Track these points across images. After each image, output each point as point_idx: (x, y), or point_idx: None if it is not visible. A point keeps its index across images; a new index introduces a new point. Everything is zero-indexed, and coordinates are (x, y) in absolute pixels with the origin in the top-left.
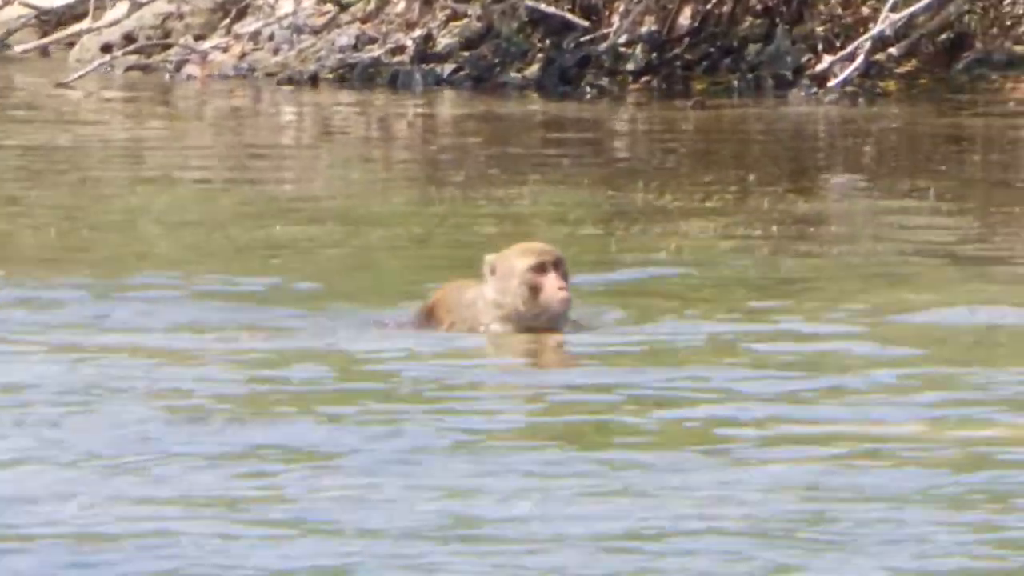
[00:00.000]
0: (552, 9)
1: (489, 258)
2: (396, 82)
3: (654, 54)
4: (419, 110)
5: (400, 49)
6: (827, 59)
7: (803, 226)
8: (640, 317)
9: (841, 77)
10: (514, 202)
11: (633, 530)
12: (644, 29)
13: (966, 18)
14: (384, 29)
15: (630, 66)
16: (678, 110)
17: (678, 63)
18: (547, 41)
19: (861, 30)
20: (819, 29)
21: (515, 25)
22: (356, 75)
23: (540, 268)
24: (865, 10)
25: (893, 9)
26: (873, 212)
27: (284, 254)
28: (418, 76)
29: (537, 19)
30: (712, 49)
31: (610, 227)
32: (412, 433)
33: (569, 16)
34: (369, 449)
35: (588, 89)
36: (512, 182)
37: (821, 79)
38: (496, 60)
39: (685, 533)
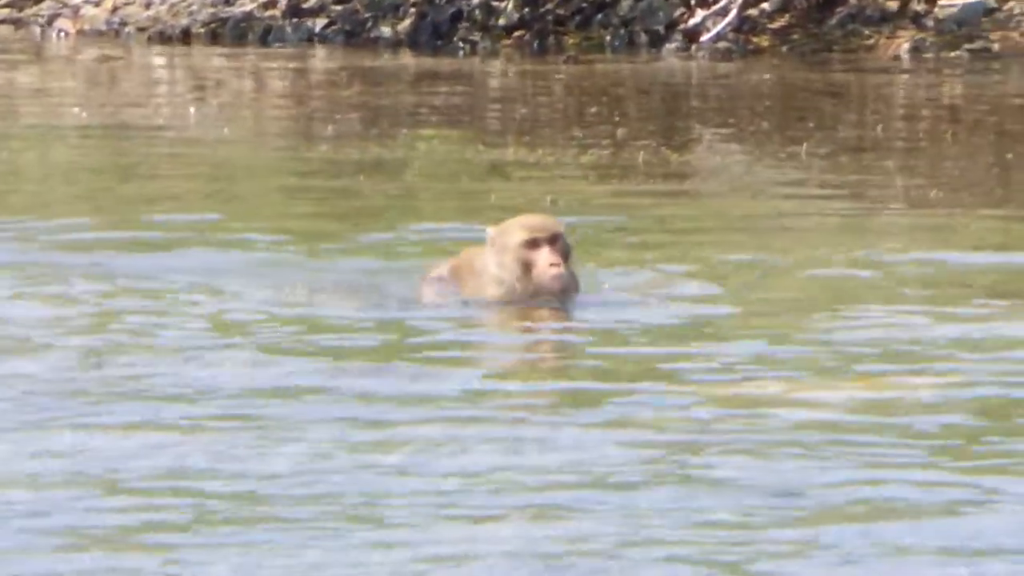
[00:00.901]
0: None
1: (491, 230)
2: (268, 37)
3: (526, 9)
4: (291, 64)
5: (272, 3)
6: (700, 14)
7: (677, 180)
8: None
9: (713, 32)
10: (388, 156)
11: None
12: None
13: None
14: None
15: (502, 21)
16: (550, 65)
17: (550, 18)
18: None
19: None
20: None
21: None
22: (228, 30)
23: (533, 244)
24: None
25: None
26: (746, 166)
27: (155, 204)
28: (290, 31)
29: None
30: (584, 4)
31: (487, 181)
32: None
33: None
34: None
35: (460, 44)
36: (385, 135)
37: (694, 34)
38: (368, 15)
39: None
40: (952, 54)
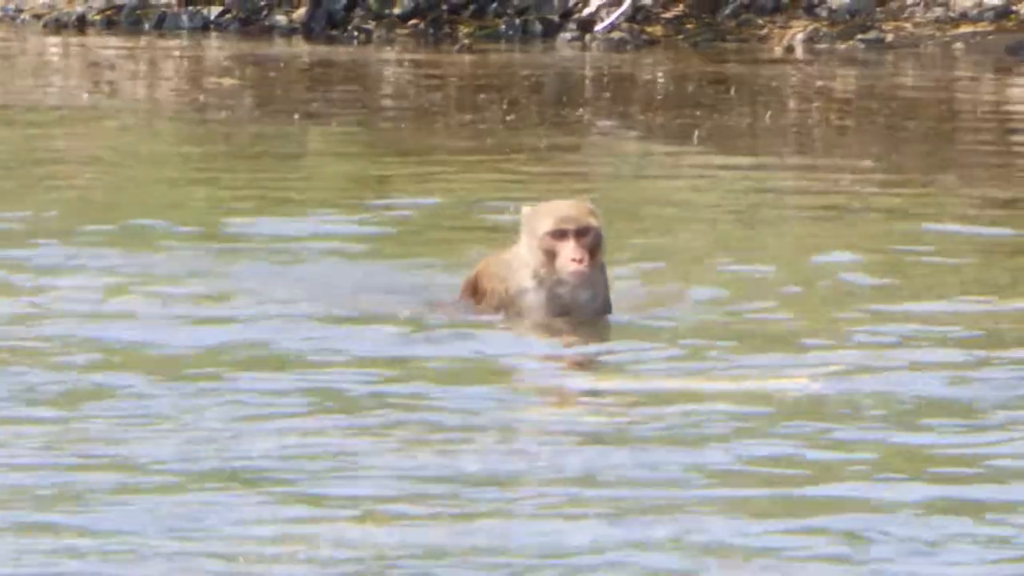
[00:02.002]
0: None
1: (525, 210)
2: (163, 24)
3: None
4: (186, 52)
5: None
6: (594, 3)
7: (570, 167)
8: (407, 252)
9: (607, 22)
10: (282, 142)
11: None
12: None
13: None
14: None
15: (397, 10)
16: (445, 54)
17: (445, 7)
18: None
19: None
20: None
21: None
22: (123, 17)
23: (560, 235)
24: None
25: None
26: (639, 155)
27: (42, 193)
28: (185, 18)
29: None
30: None
31: (382, 166)
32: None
33: None
34: None
35: (355, 33)
36: (280, 123)
37: (588, 23)
38: (263, 3)
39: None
40: (845, 44)
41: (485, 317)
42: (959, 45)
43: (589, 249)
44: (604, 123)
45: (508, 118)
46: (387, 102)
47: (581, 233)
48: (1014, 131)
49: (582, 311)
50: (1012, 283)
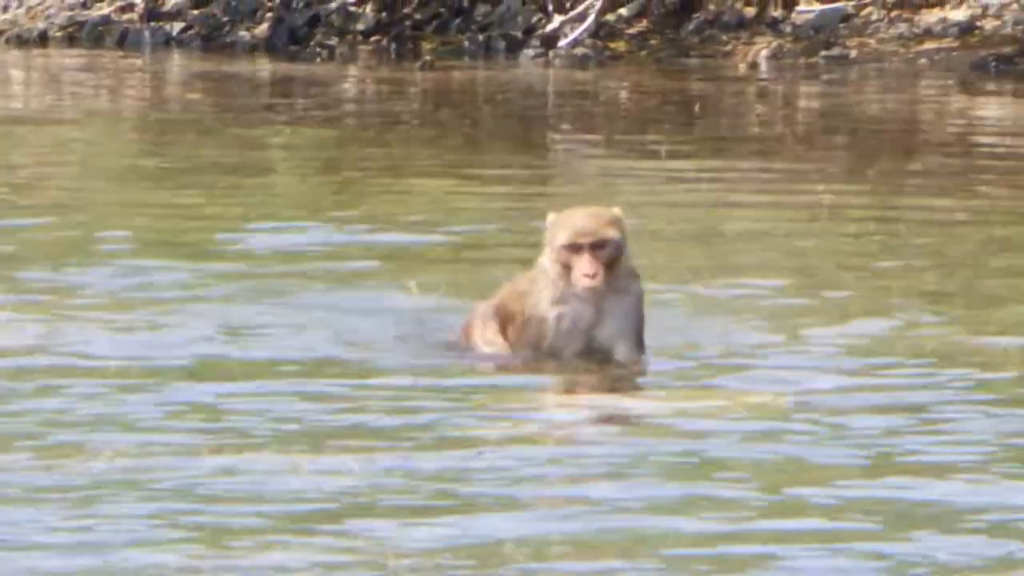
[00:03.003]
0: None
1: (550, 217)
2: (125, 40)
3: (384, 14)
4: (148, 68)
5: (129, 7)
6: (557, 19)
7: (535, 186)
8: (371, 273)
9: (571, 37)
10: (244, 157)
11: None
12: None
13: None
14: None
15: (360, 26)
16: (407, 70)
17: (408, 23)
18: (277, 0)
19: None
20: None
21: None
22: (85, 33)
23: (575, 248)
24: None
25: None
26: (602, 171)
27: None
28: (147, 34)
29: None
30: (442, 9)
31: (345, 183)
32: None
33: None
34: None
35: (318, 49)
36: (241, 138)
37: (551, 40)
38: (225, 19)
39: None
40: (809, 60)
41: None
42: (923, 61)
43: (607, 263)
44: (568, 139)
45: (471, 134)
46: (350, 119)
47: (597, 246)
48: (977, 146)
49: (610, 322)
50: (977, 296)
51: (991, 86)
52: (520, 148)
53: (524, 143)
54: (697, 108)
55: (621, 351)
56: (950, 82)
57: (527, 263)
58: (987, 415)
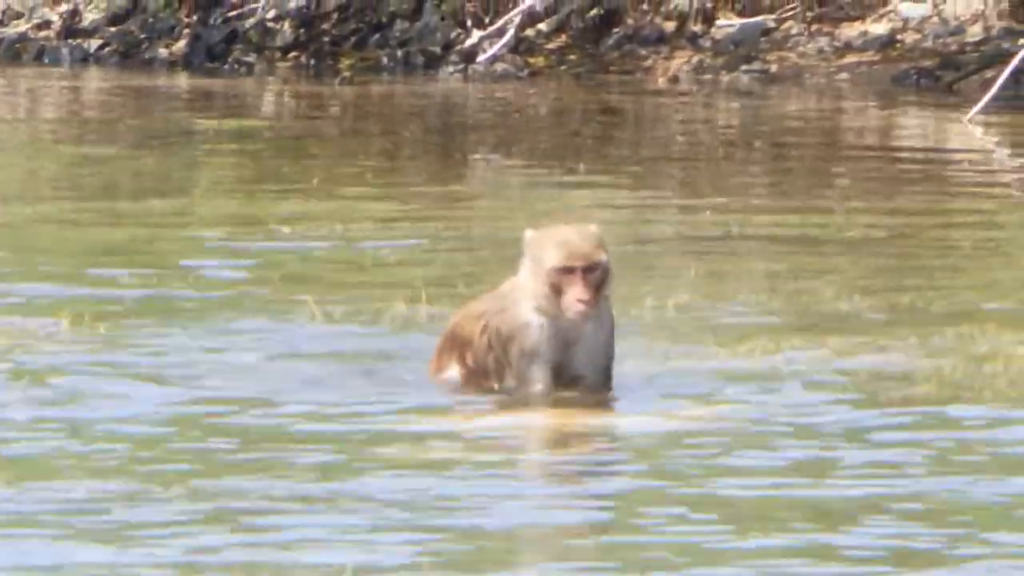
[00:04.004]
0: None
1: (530, 234)
2: (42, 57)
3: (302, 30)
4: (65, 84)
5: (46, 24)
6: (476, 35)
7: (455, 203)
8: (287, 293)
9: (490, 53)
10: (163, 175)
11: None
12: (292, 5)
13: None
14: (30, 4)
15: (278, 42)
16: (326, 86)
17: (327, 39)
18: (194, 17)
19: (510, 5)
20: (468, 5)
21: (162, 0)
22: (2, 50)
23: (567, 271)
24: None
25: None
26: (522, 187)
27: None
28: (65, 51)
29: None
30: (361, 25)
31: (262, 202)
32: None
33: None
34: None
35: (236, 65)
36: (159, 155)
37: (470, 55)
38: (143, 36)
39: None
40: (730, 75)
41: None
42: (844, 75)
43: (596, 285)
44: (487, 155)
45: (388, 150)
46: (267, 134)
47: (590, 270)
48: (898, 160)
49: (587, 343)
50: (901, 310)
51: (912, 100)
52: (438, 163)
53: (442, 158)
54: (617, 123)
55: (592, 376)
56: (871, 96)
57: (442, 279)
58: (906, 432)
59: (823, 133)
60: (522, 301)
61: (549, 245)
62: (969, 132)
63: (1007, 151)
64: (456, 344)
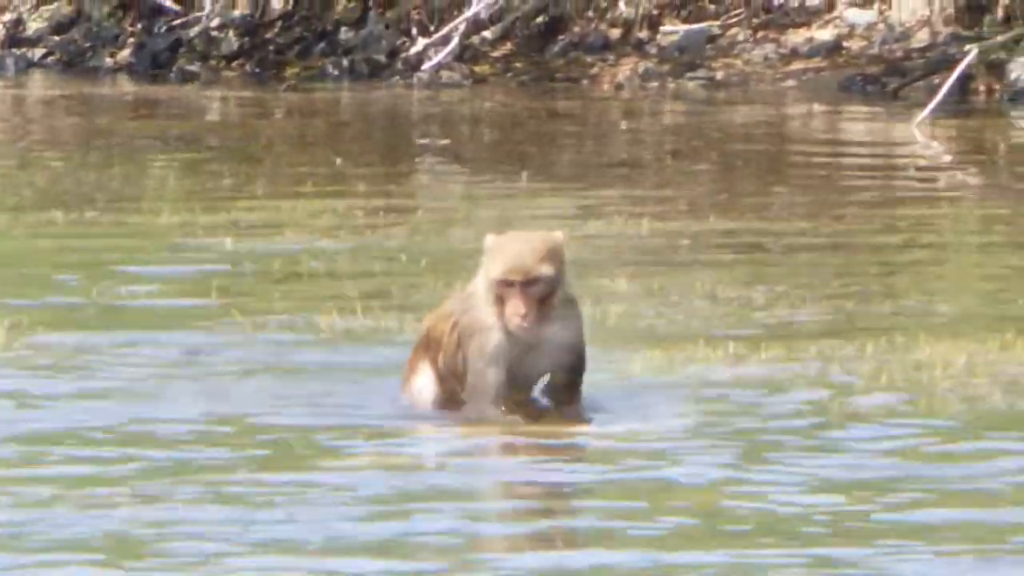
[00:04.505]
0: None
1: (488, 239)
2: None
3: (247, 38)
4: (10, 92)
5: None
6: (421, 43)
7: (398, 213)
8: (230, 305)
9: (435, 60)
10: (102, 183)
11: None
12: (236, 13)
13: (561, 1)
14: None
15: (223, 50)
16: (271, 94)
17: (271, 47)
18: (139, 25)
19: (456, 13)
20: (413, 13)
21: (106, 9)
22: None
23: (506, 284)
24: None
25: None
26: (465, 196)
27: None
28: (9, 61)
29: (128, 3)
30: (305, 34)
31: (205, 210)
32: None
33: (161, 0)
34: None
35: (180, 73)
36: (102, 164)
37: (415, 63)
38: (87, 44)
39: None
40: (676, 82)
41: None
42: (791, 82)
43: (540, 298)
44: (431, 163)
45: (333, 159)
46: (211, 142)
47: (528, 284)
48: (843, 167)
49: (549, 346)
50: (841, 317)
51: (858, 106)
52: (380, 171)
53: (384, 166)
54: (562, 130)
55: (559, 376)
56: (817, 103)
57: (378, 291)
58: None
59: (768, 140)
60: (482, 305)
61: (496, 255)
62: (915, 138)
63: (952, 157)
64: (431, 346)
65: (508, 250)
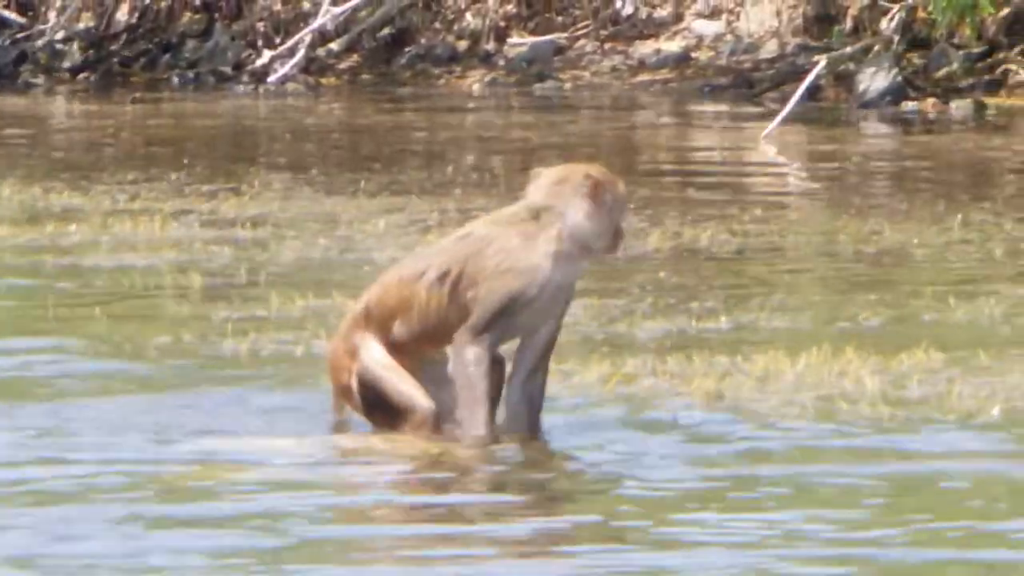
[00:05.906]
0: None
1: (576, 172)
2: None
3: (91, 51)
4: None
5: None
6: (267, 55)
7: (237, 228)
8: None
9: (281, 72)
10: None
11: None
12: (81, 25)
13: (408, 13)
14: None
15: (67, 63)
16: (116, 106)
17: (116, 59)
18: None
19: (302, 25)
20: (259, 24)
21: None
22: None
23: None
24: (306, 4)
25: (334, 2)
26: (313, 212)
27: None
28: None
29: None
30: (150, 46)
31: (41, 226)
32: None
33: (4, 12)
34: None
35: (24, 86)
36: None
37: (261, 75)
38: None
39: None
40: (523, 92)
41: None
42: (639, 93)
43: None
44: (273, 176)
45: (174, 173)
46: (57, 154)
47: None
48: (690, 179)
49: (571, 289)
50: (680, 331)
51: (707, 118)
52: (224, 186)
53: (229, 180)
54: (406, 142)
55: (547, 344)
56: (665, 114)
57: (202, 312)
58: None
59: (615, 152)
60: (544, 243)
61: (607, 184)
62: (763, 150)
63: (800, 168)
64: (384, 315)
65: (612, 178)
